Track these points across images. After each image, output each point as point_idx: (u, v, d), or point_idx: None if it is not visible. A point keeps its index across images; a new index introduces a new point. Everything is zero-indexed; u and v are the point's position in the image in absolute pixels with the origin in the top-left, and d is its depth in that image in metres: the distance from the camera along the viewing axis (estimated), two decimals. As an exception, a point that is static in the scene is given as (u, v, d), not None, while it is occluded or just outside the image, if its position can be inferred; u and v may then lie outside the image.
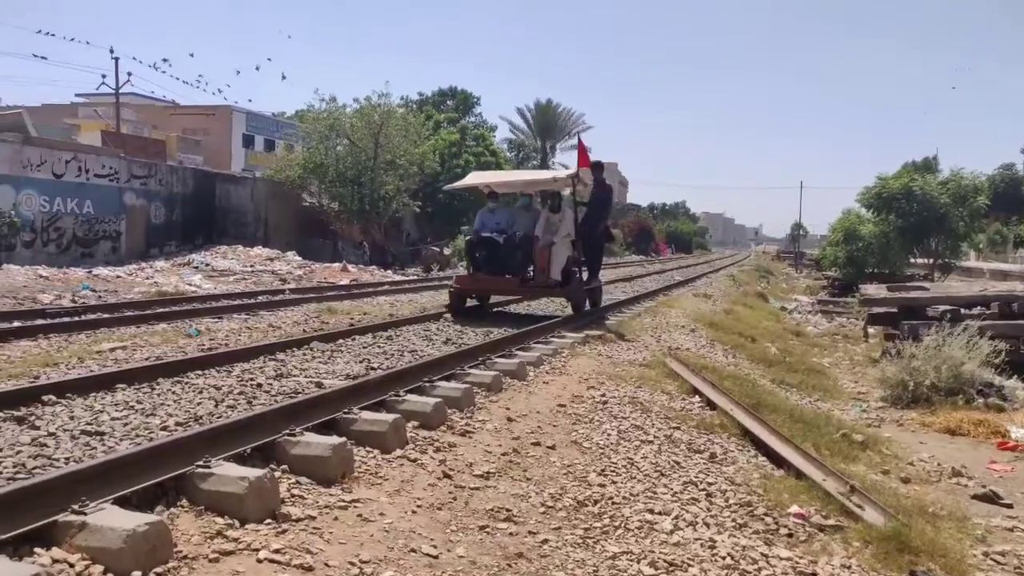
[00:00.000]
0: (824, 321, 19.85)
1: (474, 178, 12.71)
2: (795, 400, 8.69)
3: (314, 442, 3.99)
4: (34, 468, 3.61)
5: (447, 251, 28.03)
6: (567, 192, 11.50)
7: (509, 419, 5.38)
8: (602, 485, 4.40)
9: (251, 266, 20.81)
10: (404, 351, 7.67)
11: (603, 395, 6.40)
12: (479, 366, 6.67)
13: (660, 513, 4.13)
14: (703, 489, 4.62)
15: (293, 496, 3.59)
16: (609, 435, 5.34)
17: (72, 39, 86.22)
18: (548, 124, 49.86)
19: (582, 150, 11.58)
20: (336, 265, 22.72)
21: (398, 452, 4.37)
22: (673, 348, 9.42)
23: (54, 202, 21.94)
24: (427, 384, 5.64)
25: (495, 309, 12.58)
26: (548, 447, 4.94)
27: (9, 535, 2.67)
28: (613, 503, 4.18)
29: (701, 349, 10.22)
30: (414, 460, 4.30)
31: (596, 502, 4.16)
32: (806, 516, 4.42)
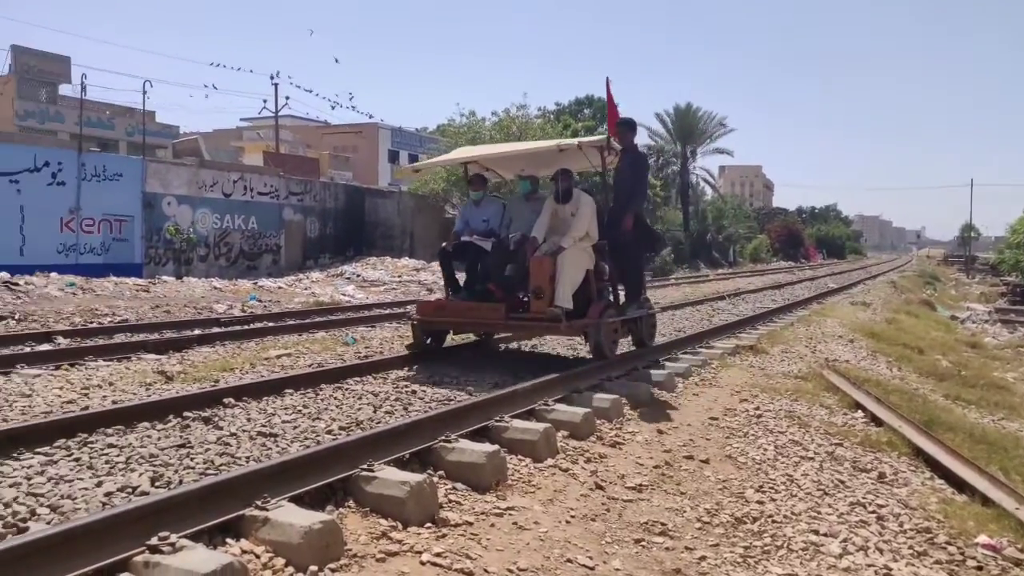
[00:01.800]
0: (1005, 331, 18.18)
1: (458, 153, 8.94)
2: (974, 418, 7.99)
3: (469, 449, 4.09)
4: (220, 465, 3.91)
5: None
6: (592, 169, 7.80)
7: (659, 431, 5.29)
8: (761, 502, 4.23)
9: (399, 277, 21.68)
10: (550, 361, 7.72)
11: (757, 408, 6.16)
12: (626, 377, 6.61)
13: (826, 535, 3.91)
14: (873, 511, 4.33)
15: (450, 501, 3.68)
16: (766, 450, 5.13)
17: (238, 68, 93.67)
18: (688, 128, 48.74)
19: (611, 102, 8.18)
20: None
21: (549, 461, 4.39)
22: (830, 360, 8.93)
23: (224, 219, 23.84)
24: (575, 394, 5.64)
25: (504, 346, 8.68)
26: (701, 461, 4.81)
27: (205, 525, 2.91)
28: (774, 522, 4.00)
29: (861, 361, 9.63)
30: (565, 470, 4.31)
31: (755, 519, 4.00)
32: (998, 548, 4.03)
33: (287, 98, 60.66)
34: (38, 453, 4.05)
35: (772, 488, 4.46)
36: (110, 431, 4.51)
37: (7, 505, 3.30)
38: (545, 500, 3.87)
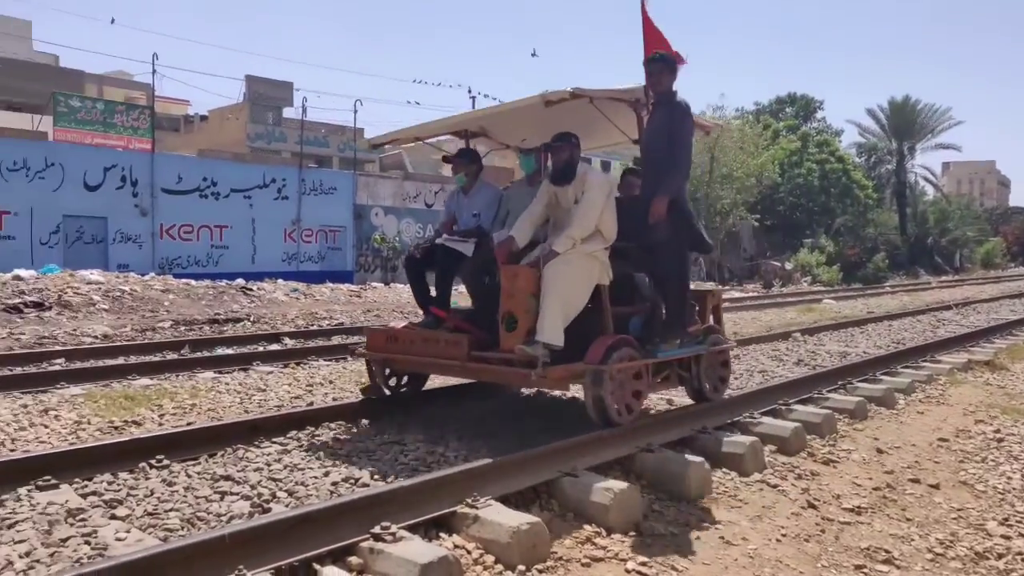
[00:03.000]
0: None
1: (442, 126, 5.71)
2: None
3: (672, 459, 4.01)
4: (431, 463, 4.12)
5: (788, 266, 26.58)
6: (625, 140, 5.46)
7: (878, 450, 4.88)
8: (1006, 537, 3.76)
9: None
10: (753, 371, 7.39)
11: (997, 431, 5.51)
12: (839, 390, 6.17)
13: (1089, 580, 3.41)
14: None
15: (654, 511, 3.63)
16: (1010, 478, 4.56)
17: (439, 84, 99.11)
18: (905, 123, 44.72)
19: (648, 26, 5.31)
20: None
21: (756, 476, 4.20)
22: (1087, 379, 7.80)
23: (426, 228, 25.20)
24: (783, 407, 5.35)
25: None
26: (930, 486, 4.38)
27: (422, 519, 3.08)
28: None
29: None
30: (774, 486, 4.10)
31: (1000, 556, 3.56)
32: None
33: (484, 111, 63.00)
34: (275, 442, 4.48)
35: (1021, 523, 3.96)
36: (333, 425, 4.90)
37: (253, 487, 3.68)
38: (753, 516, 3.70)
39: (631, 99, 4.91)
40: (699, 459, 3.98)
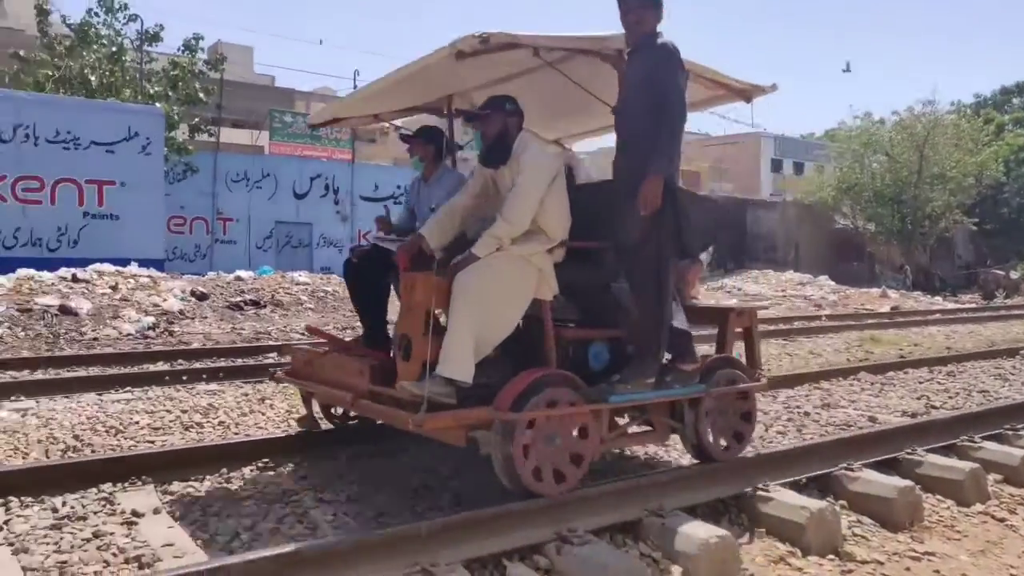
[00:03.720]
0: None
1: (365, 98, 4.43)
2: None
3: (875, 480, 3.71)
4: (620, 471, 4.09)
5: (1014, 275, 23.83)
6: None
7: None
8: None
9: (782, 291, 20.74)
10: (971, 390, 6.69)
11: None
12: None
13: None
14: None
15: (855, 535, 3.38)
16: None
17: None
18: None
19: None
20: (874, 291, 21.18)
21: (978, 507, 3.78)
22: None
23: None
24: (1009, 432, 4.79)
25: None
26: None
27: (607, 523, 3.08)
28: None
29: None
30: (1000, 520, 3.67)
31: None
32: None
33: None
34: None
35: None
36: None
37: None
38: (975, 551, 3.33)
39: (610, 51, 3.60)
40: (907, 483, 3.65)
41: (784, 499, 3.38)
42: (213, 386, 6.39)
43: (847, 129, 28.31)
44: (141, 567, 2.80)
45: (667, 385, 3.55)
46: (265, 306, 11.79)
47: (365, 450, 4.25)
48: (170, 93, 17.87)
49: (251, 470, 3.95)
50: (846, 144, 27.55)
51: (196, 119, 18.87)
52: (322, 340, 4.31)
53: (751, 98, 4.21)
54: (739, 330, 4.13)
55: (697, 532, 2.95)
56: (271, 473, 3.94)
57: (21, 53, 16.58)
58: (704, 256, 4.47)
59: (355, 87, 24.81)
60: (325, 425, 4.39)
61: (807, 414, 5.55)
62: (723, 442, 3.79)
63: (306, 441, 4.24)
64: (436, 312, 3.26)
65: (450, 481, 3.85)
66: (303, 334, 10.02)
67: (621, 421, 3.68)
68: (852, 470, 3.82)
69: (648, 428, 3.82)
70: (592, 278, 3.73)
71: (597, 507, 3.14)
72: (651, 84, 3.39)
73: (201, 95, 18.34)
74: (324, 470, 3.96)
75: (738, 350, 4.15)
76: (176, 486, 3.67)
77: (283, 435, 4.43)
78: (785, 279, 22.88)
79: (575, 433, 3.29)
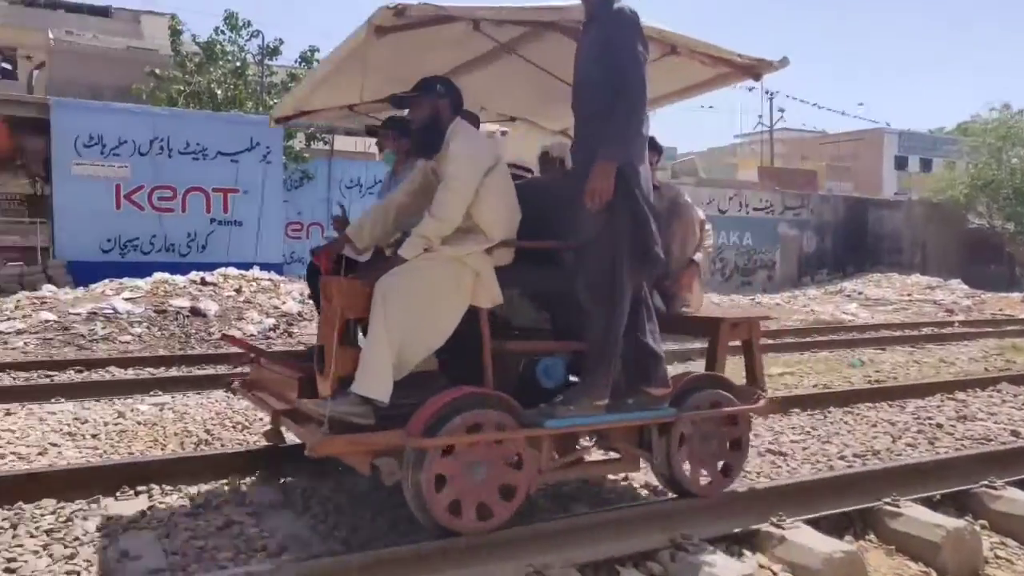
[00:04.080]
0: None
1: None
2: None
3: (1021, 500, 3.43)
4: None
5: None
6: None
7: None
8: None
9: (908, 295, 19.58)
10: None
11: None
12: None
13: None
14: None
15: (998, 558, 3.14)
16: None
17: (735, 87, 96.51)
18: None
19: None
20: (1015, 295, 19.66)
21: None
22: None
23: (719, 235, 24.52)
24: None
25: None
26: None
27: (724, 533, 2.98)
28: None
29: None
30: None
31: None
32: None
33: (781, 111, 60.11)
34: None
35: None
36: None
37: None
38: None
39: (572, 24, 3.19)
40: (1064, 503, 3.37)
41: (916, 516, 3.18)
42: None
43: (982, 122, 26.49)
44: (270, 556, 2.93)
45: (626, 408, 3.04)
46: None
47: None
48: (289, 104, 18.68)
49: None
50: (981, 138, 25.77)
51: (312, 128, 19.70)
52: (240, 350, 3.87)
53: (759, 75, 3.66)
54: (738, 343, 3.61)
55: (820, 545, 2.81)
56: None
57: (156, 71, 17.79)
58: (699, 256, 3.86)
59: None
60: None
61: (940, 426, 5.20)
62: (704, 474, 3.26)
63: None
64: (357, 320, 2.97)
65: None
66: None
67: (583, 445, 3.24)
68: (994, 488, 3.56)
69: (614, 455, 3.33)
70: (553, 284, 3.28)
71: (714, 515, 3.05)
72: (606, 57, 2.91)
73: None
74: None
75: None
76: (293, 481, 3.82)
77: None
78: (911, 282, 21.59)
79: (507, 462, 2.83)
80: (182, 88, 17.48)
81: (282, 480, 3.78)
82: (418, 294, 2.86)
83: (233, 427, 5.00)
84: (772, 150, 39.44)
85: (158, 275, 11.37)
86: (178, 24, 18.12)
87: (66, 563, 2.85)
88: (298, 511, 3.40)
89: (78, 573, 2.78)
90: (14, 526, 3.15)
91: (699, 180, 27.04)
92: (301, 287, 11.79)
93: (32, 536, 3.06)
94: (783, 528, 2.97)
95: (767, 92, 37.27)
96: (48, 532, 3.11)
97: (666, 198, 3.79)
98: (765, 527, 3.00)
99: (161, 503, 3.47)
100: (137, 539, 3.03)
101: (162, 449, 4.49)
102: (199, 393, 6.11)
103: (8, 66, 25.01)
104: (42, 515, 3.27)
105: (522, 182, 3.50)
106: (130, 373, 7.02)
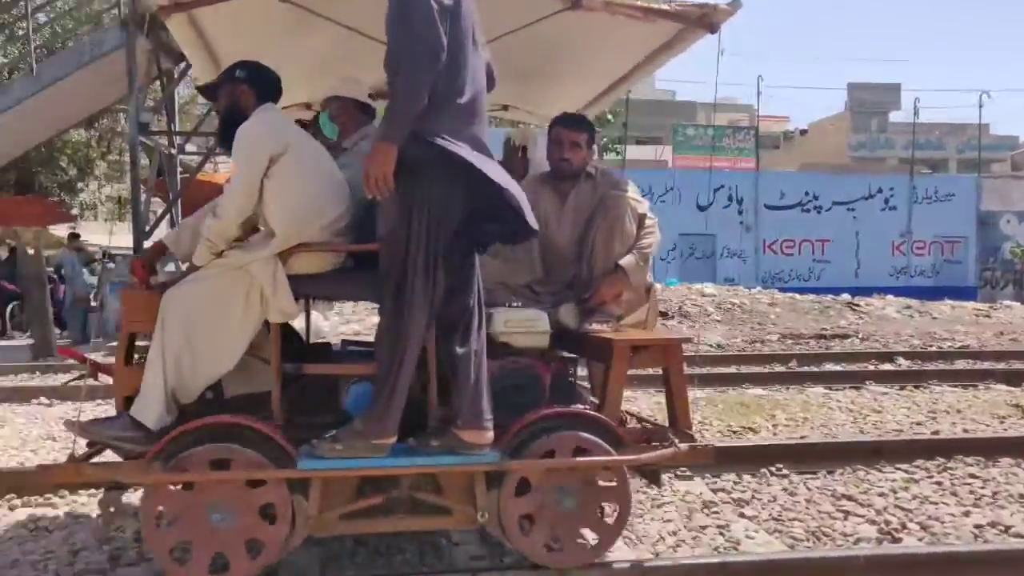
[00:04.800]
0: None
1: None
2: None
3: None
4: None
5: None
6: None
7: None
8: None
9: None
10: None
11: None
12: None
13: None
14: None
15: None
16: None
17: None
18: None
19: None
20: None
21: None
22: None
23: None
24: None
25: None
26: None
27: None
28: None
29: None
30: None
31: None
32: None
33: None
34: (899, 468, 4.16)
35: None
36: (969, 460, 4.32)
37: (879, 512, 3.49)
38: None
39: None
40: None
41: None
42: (626, 393, 6.61)
43: None
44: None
45: (427, 451, 2.49)
46: (672, 317, 12.05)
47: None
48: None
49: (668, 476, 3.99)
50: None
51: (604, 139, 20.20)
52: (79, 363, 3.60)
53: (713, 24, 3.08)
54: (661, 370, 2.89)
55: None
56: (688, 481, 3.96)
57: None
58: (629, 261, 3.10)
59: (759, 92, 24.23)
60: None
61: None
62: (555, 541, 2.60)
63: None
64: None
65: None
66: (711, 345, 10.01)
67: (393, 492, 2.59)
68: None
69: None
70: (370, 293, 2.77)
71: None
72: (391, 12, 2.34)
73: (609, 116, 19.58)
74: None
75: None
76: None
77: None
78: None
79: (258, 509, 2.42)
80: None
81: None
82: (200, 308, 2.54)
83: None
84: None
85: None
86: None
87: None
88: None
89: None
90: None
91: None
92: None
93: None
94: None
95: None
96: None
97: (599, 190, 3.24)
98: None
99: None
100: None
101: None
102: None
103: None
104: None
105: None
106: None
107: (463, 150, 2.33)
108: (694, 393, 6.30)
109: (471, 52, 2.40)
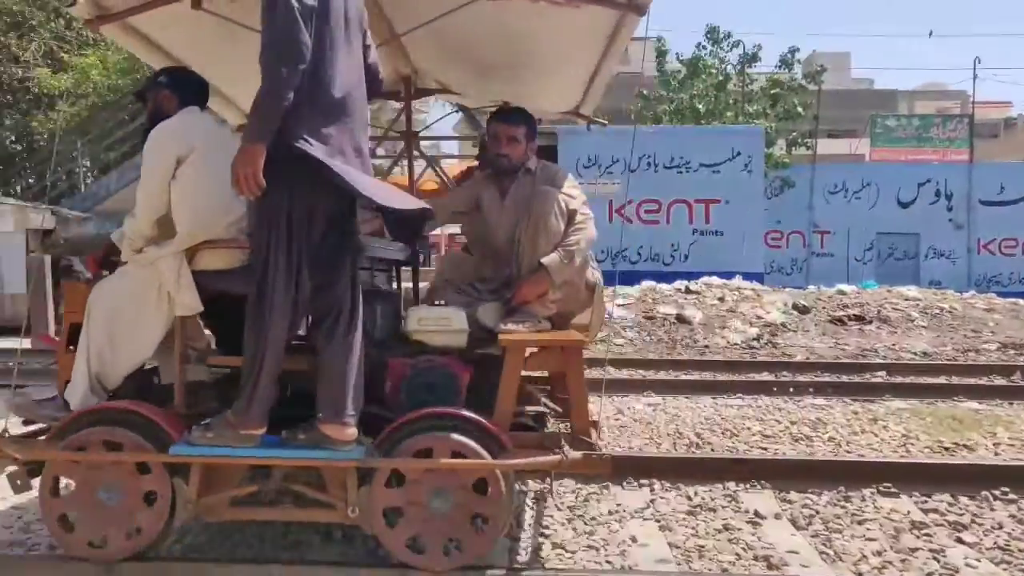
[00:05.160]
0: None
1: None
2: None
3: None
4: None
5: None
6: None
7: None
8: None
9: None
10: None
11: None
12: None
13: None
14: None
15: None
16: None
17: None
18: None
19: None
20: None
21: None
22: None
23: None
24: None
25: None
26: None
27: None
28: None
29: None
30: None
31: None
32: None
33: None
34: None
35: None
36: None
37: None
38: None
39: None
40: None
41: None
42: (820, 400, 6.27)
43: None
44: (770, 567, 2.84)
45: (294, 444, 2.55)
46: (871, 322, 11.17)
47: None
48: (768, 111, 18.52)
49: (871, 492, 3.69)
50: None
51: (793, 133, 19.13)
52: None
53: (641, 7, 2.90)
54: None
55: None
56: (894, 498, 3.62)
57: (644, 92, 19.15)
58: (552, 259, 2.94)
59: (975, 77, 21.95)
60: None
61: None
62: (423, 543, 2.56)
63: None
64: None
65: None
66: (915, 353, 9.18)
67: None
68: None
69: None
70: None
71: None
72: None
73: (799, 109, 18.54)
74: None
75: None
76: (794, 495, 3.67)
77: (902, 461, 4.16)
78: None
79: (141, 492, 2.61)
80: (666, 107, 18.54)
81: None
82: (119, 301, 2.78)
83: (722, 433, 5.03)
84: None
85: (645, 283, 12.16)
86: (664, 45, 19.25)
87: (587, 538, 3.14)
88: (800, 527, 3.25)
89: (596, 548, 3.05)
90: (542, 499, 3.60)
91: None
92: (784, 297, 11.52)
93: (559, 510, 3.46)
94: None
95: None
96: (571, 508, 3.48)
97: (538, 185, 3.15)
98: None
99: (662, 497, 3.63)
100: (642, 528, 3.21)
101: (657, 447, 4.72)
102: (687, 398, 6.31)
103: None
104: (564, 492, 3.67)
105: None
106: (624, 373, 7.59)
107: (319, 150, 2.37)
108: (895, 403, 5.86)
109: (341, 52, 2.46)
